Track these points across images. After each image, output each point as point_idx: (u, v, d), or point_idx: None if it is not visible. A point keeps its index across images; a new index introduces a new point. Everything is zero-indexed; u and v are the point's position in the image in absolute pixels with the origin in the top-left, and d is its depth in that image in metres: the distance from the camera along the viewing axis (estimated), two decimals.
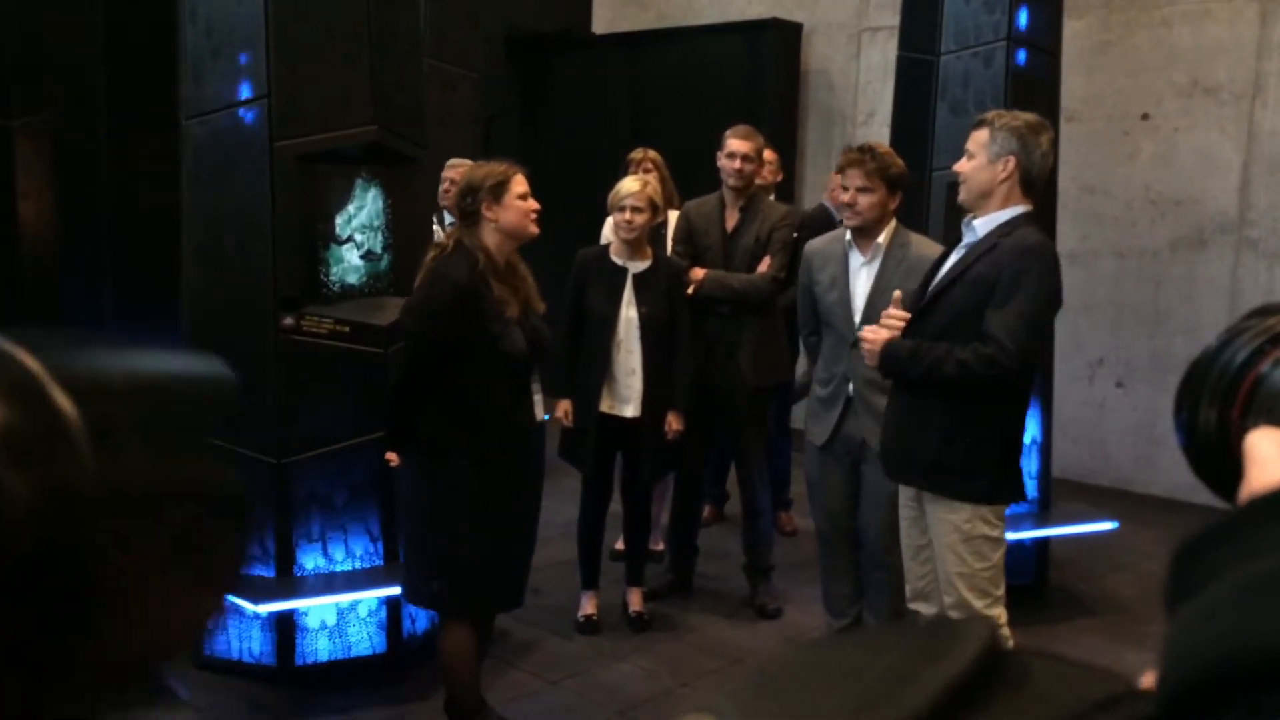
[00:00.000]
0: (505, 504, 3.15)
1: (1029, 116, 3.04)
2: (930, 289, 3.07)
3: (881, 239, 3.56)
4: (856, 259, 3.61)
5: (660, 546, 4.85)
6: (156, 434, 0.30)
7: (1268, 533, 0.36)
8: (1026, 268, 2.90)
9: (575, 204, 5.62)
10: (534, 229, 3.16)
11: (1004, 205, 2.99)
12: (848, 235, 3.61)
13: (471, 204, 3.10)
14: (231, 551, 0.34)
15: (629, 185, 4.03)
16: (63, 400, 0.29)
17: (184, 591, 0.32)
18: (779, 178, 5.25)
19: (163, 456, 0.30)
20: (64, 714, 0.31)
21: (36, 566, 0.27)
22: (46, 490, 0.27)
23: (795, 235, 4.41)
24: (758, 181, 4.76)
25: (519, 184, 3.12)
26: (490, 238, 3.11)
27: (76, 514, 0.28)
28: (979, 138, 3.00)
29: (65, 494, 0.28)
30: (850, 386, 3.59)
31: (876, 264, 3.56)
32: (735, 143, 4.40)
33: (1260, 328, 0.42)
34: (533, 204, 3.13)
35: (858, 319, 3.53)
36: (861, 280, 3.60)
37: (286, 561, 3.71)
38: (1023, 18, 4.41)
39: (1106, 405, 6.43)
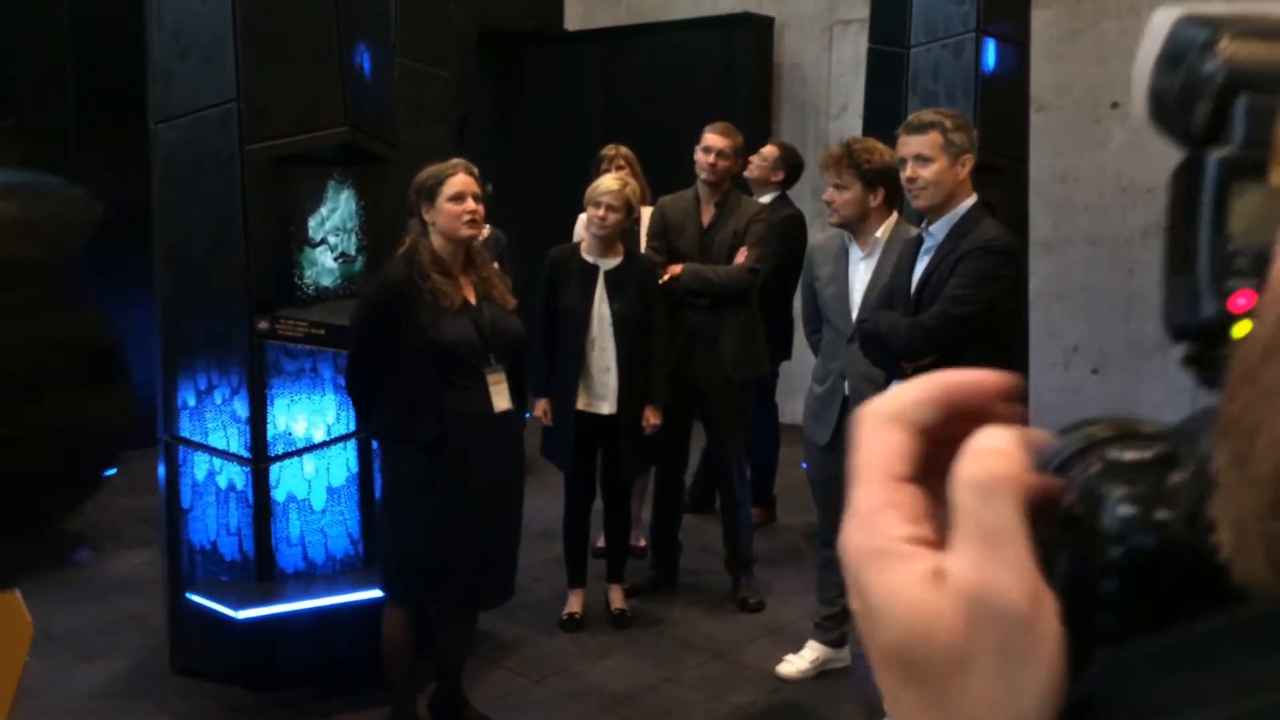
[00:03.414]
0: (447, 492, 3.16)
1: (956, 112, 3.22)
2: (909, 302, 3.12)
3: (880, 234, 3.58)
4: (855, 254, 3.63)
5: (642, 543, 4.86)
6: (10, 289, 0.28)
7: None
8: (989, 270, 3.00)
9: (549, 201, 5.62)
10: (466, 231, 3.20)
11: (958, 202, 3.05)
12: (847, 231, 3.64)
13: (414, 205, 3.19)
14: (114, 409, 0.31)
15: (608, 183, 4.03)
16: None
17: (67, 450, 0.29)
18: (779, 176, 5.12)
19: (23, 312, 0.28)
20: None
21: None
22: None
23: (770, 228, 4.43)
24: (755, 176, 4.77)
25: (452, 186, 3.18)
26: (435, 236, 3.20)
27: None
28: (933, 140, 3.03)
29: None
30: (846, 384, 3.61)
31: (875, 259, 3.58)
32: (711, 137, 4.42)
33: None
34: (467, 206, 3.17)
35: (854, 314, 3.55)
36: (860, 275, 3.62)
37: (266, 565, 3.69)
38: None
39: (1082, 392, 6.47)
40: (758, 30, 7.44)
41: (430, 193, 3.18)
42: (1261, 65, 0.37)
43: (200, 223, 3.62)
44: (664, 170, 5.11)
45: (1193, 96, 0.39)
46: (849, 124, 6.98)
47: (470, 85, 7.34)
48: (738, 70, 7.37)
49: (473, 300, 3.23)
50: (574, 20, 8.62)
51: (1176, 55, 0.40)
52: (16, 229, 0.28)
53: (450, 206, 3.16)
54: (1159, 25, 0.41)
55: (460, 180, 3.18)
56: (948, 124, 3.04)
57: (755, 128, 6.86)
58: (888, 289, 3.28)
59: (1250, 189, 0.37)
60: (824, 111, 7.40)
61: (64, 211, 0.30)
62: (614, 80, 7.95)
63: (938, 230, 3.08)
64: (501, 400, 3.24)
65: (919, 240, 3.20)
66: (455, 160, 3.29)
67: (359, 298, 3.35)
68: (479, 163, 3.79)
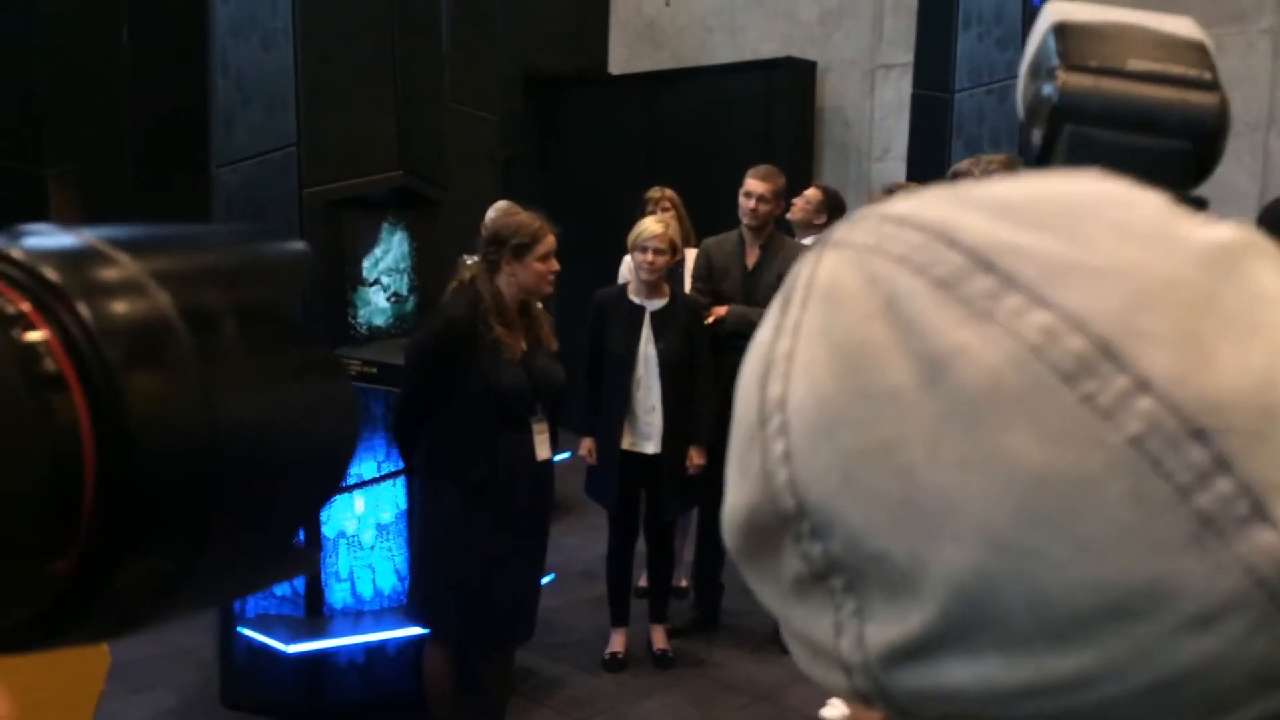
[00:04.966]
0: (492, 534, 3.21)
1: (998, 156, 3.25)
2: None
3: None
4: None
5: (685, 583, 4.86)
6: (254, 320, 0.29)
7: None
8: None
9: (592, 242, 5.68)
10: (548, 289, 3.28)
11: None
12: None
13: (494, 254, 3.19)
14: (345, 429, 0.34)
15: (651, 227, 4.08)
16: (161, 294, 0.28)
17: (302, 471, 0.32)
18: (822, 218, 5.11)
19: (264, 339, 0.29)
20: (195, 604, 0.30)
21: (159, 464, 0.27)
22: (165, 385, 0.27)
23: None
24: (798, 219, 4.79)
25: (544, 246, 3.21)
26: (505, 284, 3.22)
27: (192, 408, 0.28)
28: None
29: (181, 389, 0.28)
30: None
31: None
32: (752, 183, 4.47)
33: None
34: (553, 265, 3.23)
35: None
36: None
37: (315, 600, 3.74)
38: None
39: None
40: (799, 74, 7.52)
41: (520, 249, 3.17)
42: (1089, 100, 0.39)
43: None
44: (706, 212, 5.17)
45: (1032, 118, 0.42)
46: (891, 167, 7.01)
47: (516, 128, 7.47)
48: (779, 113, 7.45)
49: (524, 346, 3.26)
50: (617, 64, 8.75)
51: (1036, 66, 0.42)
52: (255, 273, 0.32)
53: (539, 266, 3.19)
54: (1043, 21, 0.42)
55: (551, 240, 3.22)
56: (976, 171, 3.11)
57: (797, 170, 6.92)
58: None
59: None
60: (866, 154, 7.45)
61: (289, 258, 0.34)
62: (656, 123, 8.05)
63: None
64: (543, 449, 3.30)
65: None
66: (536, 218, 3.26)
67: (418, 335, 3.36)
68: (524, 203, 3.87)
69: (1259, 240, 0.32)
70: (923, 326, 0.31)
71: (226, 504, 0.28)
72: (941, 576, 0.31)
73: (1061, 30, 0.41)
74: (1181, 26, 0.41)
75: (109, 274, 0.28)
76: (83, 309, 0.27)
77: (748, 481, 0.35)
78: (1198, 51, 0.40)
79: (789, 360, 0.34)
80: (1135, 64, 0.39)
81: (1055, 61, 0.40)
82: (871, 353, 0.32)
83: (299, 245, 0.34)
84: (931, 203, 0.34)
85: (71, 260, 0.28)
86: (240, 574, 0.31)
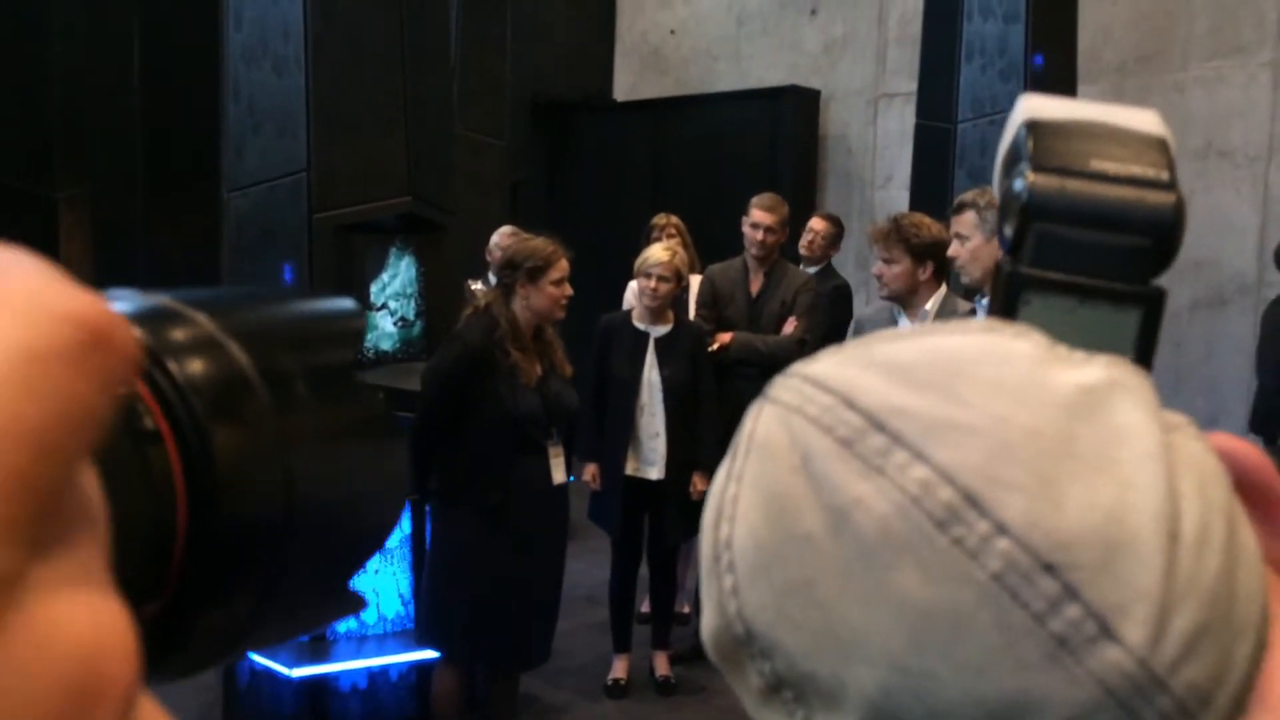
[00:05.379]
0: (510, 557, 3.23)
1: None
2: None
3: (929, 306, 3.63)
4: (905, 326, 3.69)
5: (687, 609, 4.86)
6: (322, 379, 0.31)
7: None
8: None
9: (597, 267, 5.71)
10: (560, 314, 3.33)
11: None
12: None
13: (509, 278, 3.24)
14: (396, 485, 0.36)
15: (657, 254, 4.11)
16: (239, 353, 0.29)
17: (365, 513, 0.34)
18: (834, 252, 5.14)
19: (330, 398, 0.31)
20: (265, 641, 0.32)
21: (242, 514, 0.28)
22: (245, 440, 0.28)
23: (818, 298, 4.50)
24: (813, 255, 4.83)
25: (557, 270, 3.26)
26: (520, 309, 3.25)
27: (270, 462, 0.29)
28: (967, 220, 3.13)
29: (260, 444, 0.29)
30: None
31: None
32: (759, 213, 4.50)
33: None
34: (566, 290, 3.27)
35: None
36: None
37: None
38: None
39: None
40: (803, 102, 7.58)
41: (534, 273, 3.22)
42: (1055, 200, 0.42)
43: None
44: (710, 238, 5.20)
45: (1005, 212, 0.45)
46: (893, 194, 7.06)
47: (523, 153, 7.53)
48: (783, 141, 7.50)
49: (539, 371, 3.30)
50: (622, 91, 8.82)
51: (1010, 161, 0.46)
52: (320, 333, 0.34)
53: (553, 290, 3.24)
54: (1017, 116, 0.46)
55: (564, 265, 3.27)
56: (981, 202, 3.13)
57: (800, 197, 6.97)
58: None
59: (1034, 302, 0.42)
60: (869, 182, 7.50)
61: (345, 317, 0.36)
62: (661, 150, 8.11)
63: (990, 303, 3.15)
64: (559, 473, 3.33)
65: (972, 314, 3.25)
66: (550, 242, 3.31)
67: (436, 361, 3.37)
68: (530, 228, 3.91)
69: (1125, 377, 0.37)
70: (830, 480, 0.36)
71: (297, 553, 0.29)
72: (858, 693, 0.36)
73: (1033, 128, 0.44)
74: (1145, 122, 0.44)
75: (190, 334, 0.29)
76: (172, 366, 0.28)
77: (710, 608, 0.41)
78: (1158, 150, 0.43)
79: (734, 505, 0.40)
80: (1099, 165, 0.42)
81: (1025, 160, 0.44)
82: (792, 502, 0.37)
83: (350, 304, 0.36)
84: (842, 365, 0.39)
85: (156, 321, 0.29)
86: (301, 615, 0.33)
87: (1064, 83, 4.74)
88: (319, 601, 0.33)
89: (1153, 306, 0.43)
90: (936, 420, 0.35)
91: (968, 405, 0.35)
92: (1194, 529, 0.34)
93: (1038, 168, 0.43)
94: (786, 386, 0.40)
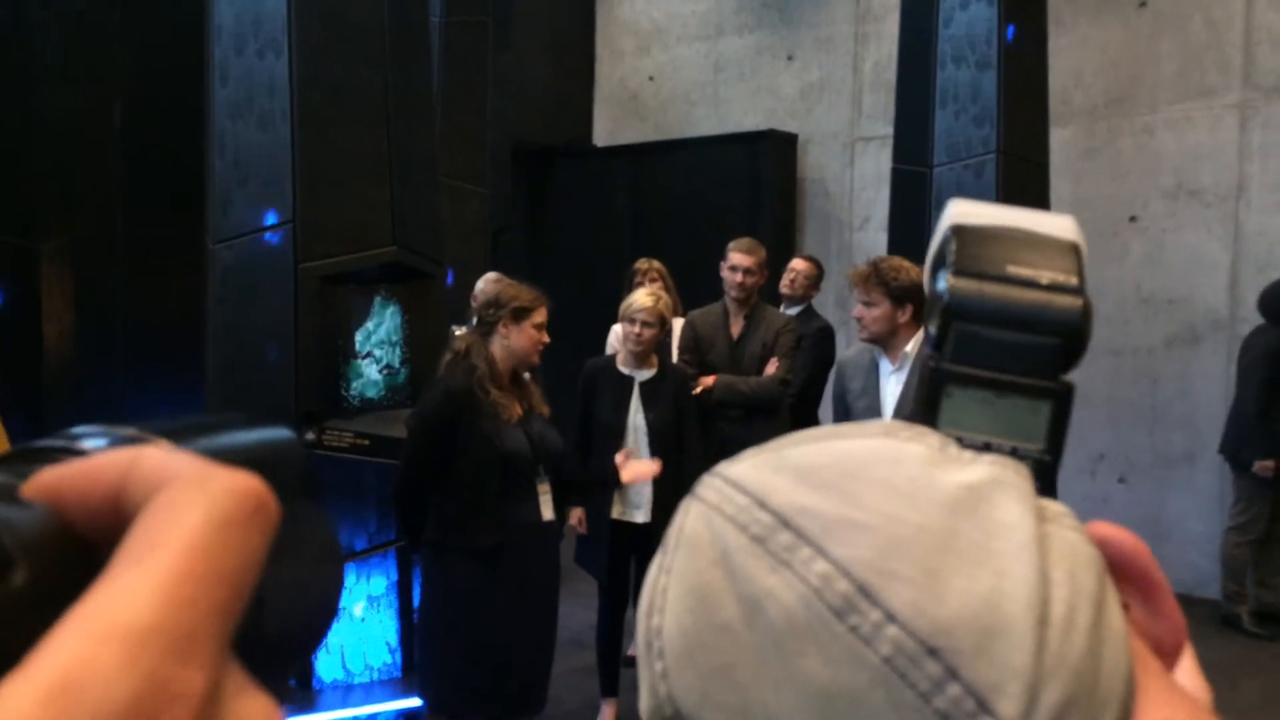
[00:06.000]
0: (507, 601, 3.22)
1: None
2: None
3: (909, 348, 3.69)
4: (886, 367, 3.75)
5: None
6: (282, 499, 0.32)
7: None
8: None
9: (579, 311, 5.76)
10: (537, 360, 3.39)
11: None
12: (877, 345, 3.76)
13: (492, 316, 3.28)
14: (334, 599, 0.39)
15: (642, 299, 4.15)
16: None
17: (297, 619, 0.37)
18: (815, 292, 5.22)
19: (290, 519, 0.32)
20: None
21: None
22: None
23: (799, 340, 4.55)
24: (794, 295, 4.89)
25: (539, 315, 3.33)
26: (499, 349, 3.30)
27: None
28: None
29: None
30: None
31: (904, 372, 3.69)
32: (737, 256, 4.56)
33: None
34: (544, 337, 3.33)
35: None
36: (890, 389, 3.72)
37: (305, 673, 3.73)
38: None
39: (1111, 500, 6.48)
40: (781, 146, 7.69)
41: (518, 314, 3.29)
42: (973, 302, 0.47)
43: (255, 337, 3.77)
44: (690, 281, 5.26)
45: (930, 310, 0.49)
46: (871, 236, 7.15)
47: (505, 199, 7.59)
48: (762, 184, 7.60)
49: (519, 411, 3.34)
50: (602, 136, 8.92)
51: (936, 264, 0.50)
52: (274, 457, 0.37)
53: (533, 333, 3.31)
54: (945, 220, 0.50)
55: (544, 312, 3.35)
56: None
57: (779, 239, 7.05)
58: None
59: (956, 394, 0.47)
60: (847, 224, 7.60)
61: (290, 442, 0.40)
62: (641, 194, 8.19)
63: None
64: (548, 510, 3.34)
65: None
66: (533, 289, 3.40)
67: (419, 407, 3.41)
68: (511, 273, 3.95)
69: (1006, 475, 0.41)
70: (744, 573, 0.40)
71: (255, 656, 0.33)
72: None
73: (958, 233, 0.49)
74: (1061, 228, 0.49)
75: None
76: None
77: (645, 690, 0.44)
78: (1070, 255, 0.48)
79: (664, 596, 0.43)
80: (1014, 270, 0.47)
81: (949, 265, 0.48)
82: (712, 594, 0.41)
83: (287, 431, 0.40)
84: (757, 467, 0.43)
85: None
86: None
87: (1036, 127, 4.84)
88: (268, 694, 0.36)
89: (1062, 399, 0.47)
90: (835, 519, 0.39)
91: (862, 505, 0.39)
92: (1062, 613, 0.38)
93: (958, 272, 0.48)
94: (710, 486, 0.44)
